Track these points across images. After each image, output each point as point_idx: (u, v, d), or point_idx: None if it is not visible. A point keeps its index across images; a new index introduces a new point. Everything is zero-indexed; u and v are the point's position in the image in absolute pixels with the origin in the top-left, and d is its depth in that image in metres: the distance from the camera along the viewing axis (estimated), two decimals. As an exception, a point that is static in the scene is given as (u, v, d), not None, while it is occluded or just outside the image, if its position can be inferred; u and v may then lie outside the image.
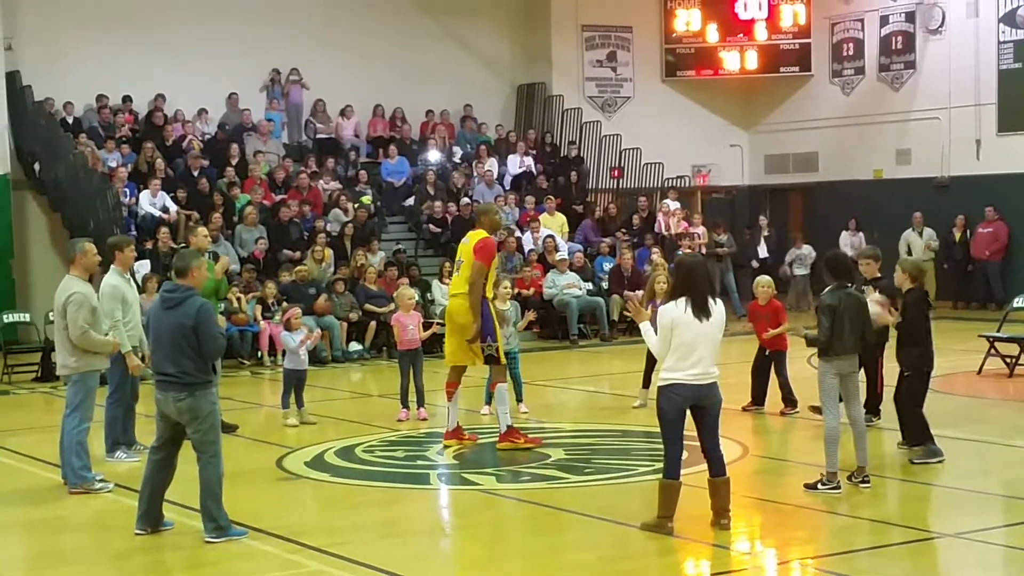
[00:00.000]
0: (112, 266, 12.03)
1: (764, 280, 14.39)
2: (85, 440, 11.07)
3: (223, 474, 9.29)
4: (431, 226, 24.31)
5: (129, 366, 11.79)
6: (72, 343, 10.92)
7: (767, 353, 14.14)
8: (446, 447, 12.62)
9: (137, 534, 9.38)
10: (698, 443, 9.26)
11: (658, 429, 9.14)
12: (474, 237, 12.48)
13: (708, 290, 9.07)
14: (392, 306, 20.80)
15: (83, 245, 11.28)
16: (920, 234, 25.89)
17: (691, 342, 8.91)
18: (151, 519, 9.46)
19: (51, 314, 18.46)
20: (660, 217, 25.73)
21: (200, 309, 9.13)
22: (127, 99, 24.63)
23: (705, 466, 9.25)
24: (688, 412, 9.07)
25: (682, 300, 8.99)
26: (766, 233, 26.71)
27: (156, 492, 9.44)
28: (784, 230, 28.62)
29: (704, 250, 24.93)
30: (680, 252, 24.29)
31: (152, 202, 21.78)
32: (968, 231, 25.88)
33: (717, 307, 9.09)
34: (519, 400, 14.50)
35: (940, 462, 11.26)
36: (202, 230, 13.81)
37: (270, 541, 9.24)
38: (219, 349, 9.41)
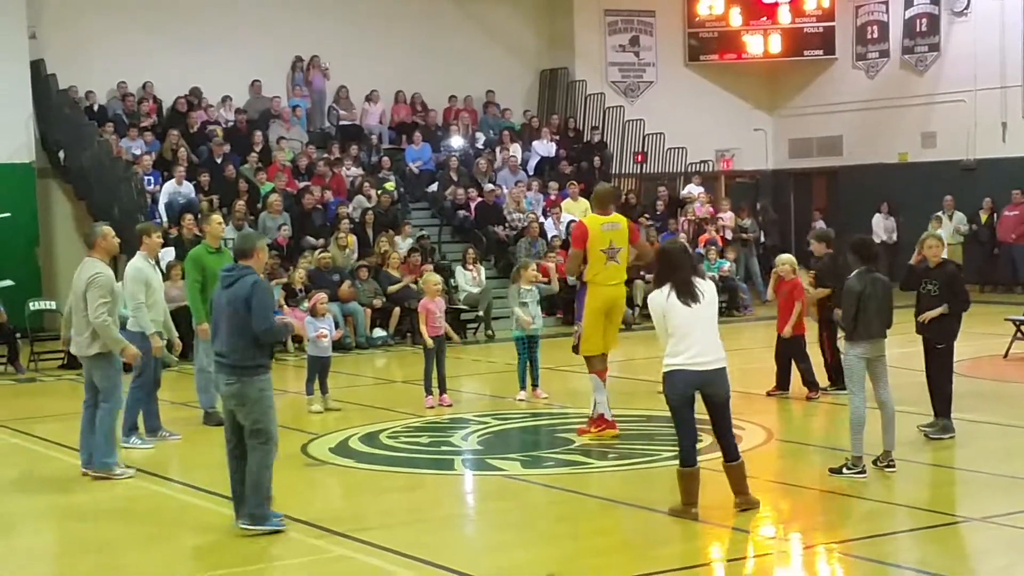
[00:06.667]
0: (139, 251, 12.34)
1: (782, 258, 14.60)
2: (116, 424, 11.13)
3: (271, 464, 9.03)
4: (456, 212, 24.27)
5: (153, 347, 11.92)
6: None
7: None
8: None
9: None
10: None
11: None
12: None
13: (690, 273, 9.05)
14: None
15: (102, 229, 11.30)
16: (950, 218, 25.71)
17: (685, 326, 8.90)
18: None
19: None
20: (682, 217, 25.42)
21: (255, 284, 9.01)
22: (150, 87, 24.68)
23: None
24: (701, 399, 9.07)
25: (665, 287, 9.00)
26: (773, 216, 26.68)
27: (240, 483, 9.15)
28: (807, 214, 28.49)
29: (730, 234, 24.91)
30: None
31: (177, 190, 21.82)
32: (994, 214, 25.73)
33: (707, 287, 9.09)
34: (535, 385, 14.49)
35: (951, 438, 11.36)
36: (216, 217, 13.67)
37: (295, 527, 9.23)
38: (269, 326, 9.03)
